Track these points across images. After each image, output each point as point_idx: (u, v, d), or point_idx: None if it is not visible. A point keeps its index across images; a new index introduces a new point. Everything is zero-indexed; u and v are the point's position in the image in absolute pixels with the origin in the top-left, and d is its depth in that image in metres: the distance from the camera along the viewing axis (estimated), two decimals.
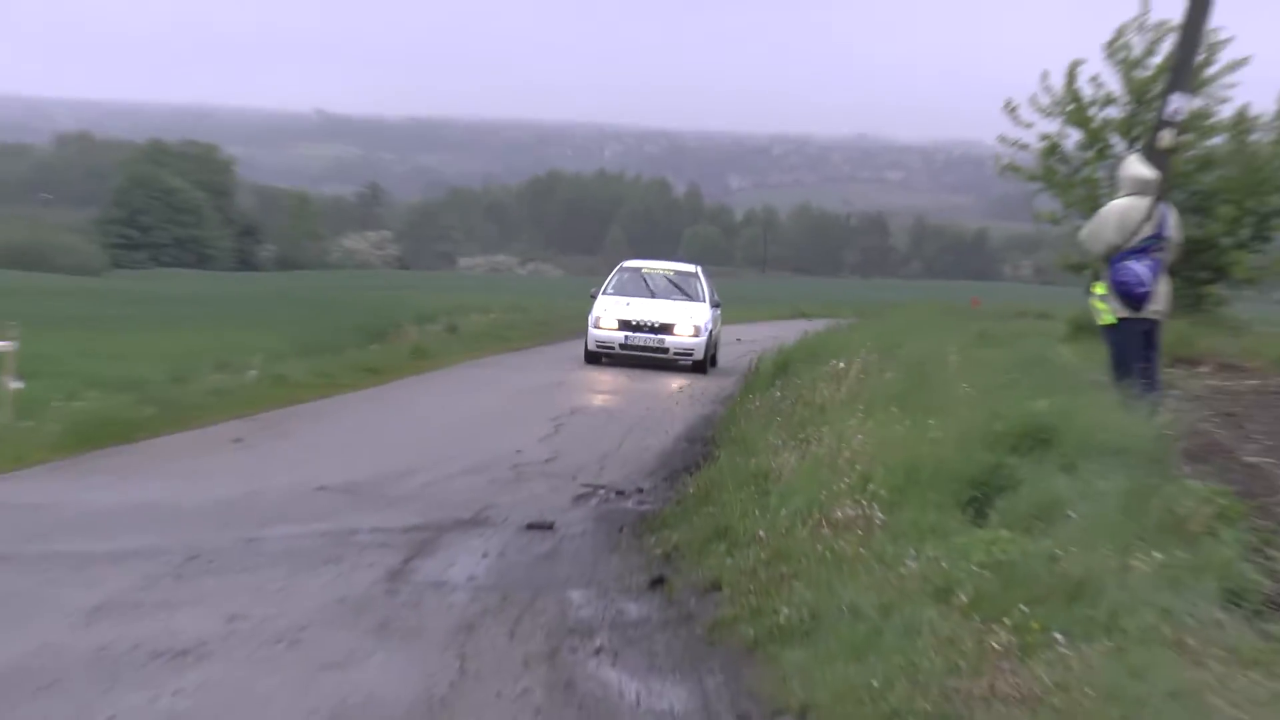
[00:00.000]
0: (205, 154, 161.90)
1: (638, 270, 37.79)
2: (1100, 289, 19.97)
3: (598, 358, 33.77)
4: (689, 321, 33.58)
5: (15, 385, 24.17)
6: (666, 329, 32.55)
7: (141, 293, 67.43)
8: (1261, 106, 35.00)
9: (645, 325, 32.72)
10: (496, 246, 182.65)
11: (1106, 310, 19.93)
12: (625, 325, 32.96)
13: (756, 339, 38.95)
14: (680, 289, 35.94)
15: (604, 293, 35.75)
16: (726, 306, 59.16)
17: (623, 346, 32.66)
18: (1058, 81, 35.78)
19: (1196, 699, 8.92)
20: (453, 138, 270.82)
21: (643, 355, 32.77)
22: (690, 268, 39.65)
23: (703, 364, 32.29)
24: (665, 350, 32.53)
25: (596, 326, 34.08)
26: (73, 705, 9.70)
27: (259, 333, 41.34)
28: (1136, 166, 21.15)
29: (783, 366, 26.72)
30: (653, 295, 34.84)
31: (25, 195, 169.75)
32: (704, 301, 35.62)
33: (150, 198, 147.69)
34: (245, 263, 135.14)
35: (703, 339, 33.19)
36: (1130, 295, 19.67)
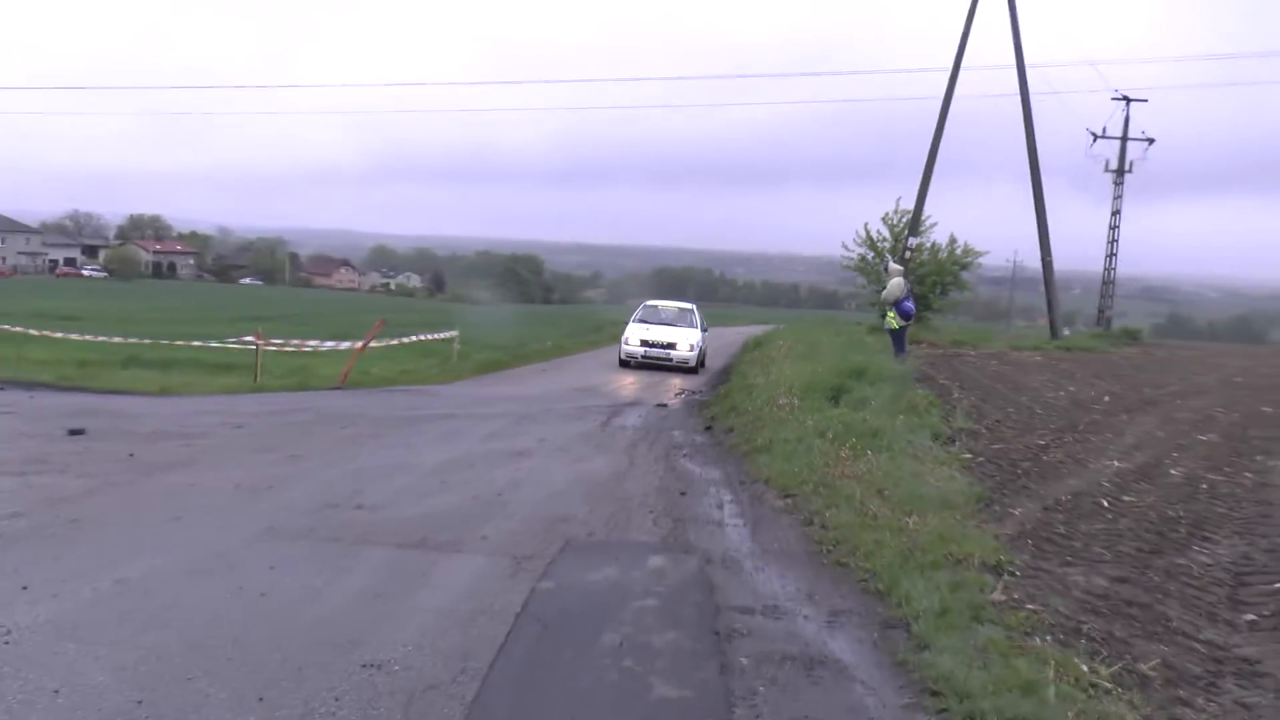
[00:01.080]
0: (533, 260, 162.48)
1: (655, 306, 28.96)
2: (891, 313, 19.90)
3: (626, 364, 25.96)
4: (686, 341, 25.92)
5: (457, 347, 24.69)
6: (671, 346, 25.67)
7: (506, 315, 67.47)
8: (941, 240, 34.68)
9: (658, 344, 25.75)
10: (644, 296, 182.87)
11: (894, 321, 19.88)
12: (645, 343, 25.90)
13: (746, 332, 38.41)
14: (682, 319, 27.82)
15: (633, 320, 27.53)
16: (734, 322, 58.36)
17: (644, 357, 25.58)
18: (862, 232, 35.32)
19: (920, 476, 8.92)
20: (626, 251, 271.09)
21: (656, 363, 25.41)
22: (689, 305, 29.88)
23: (695, 369, 25.27)
24: (671, 360, 25.29)
25: (626, 344, 26.32)
26: (478, 473, 9.67)
27: (551, 328, 41.46)
28: (896, 265, 21.74)
29: (758, 343, 26.43)
30: (663, 323, 27.26)
31: (463, 276, 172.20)
32: (696, 328, 27.17)
33: (510, 277, 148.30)
34: (546, 302, 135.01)
35: (695, 353, 25.74)
36: (905, 316, 19.98)
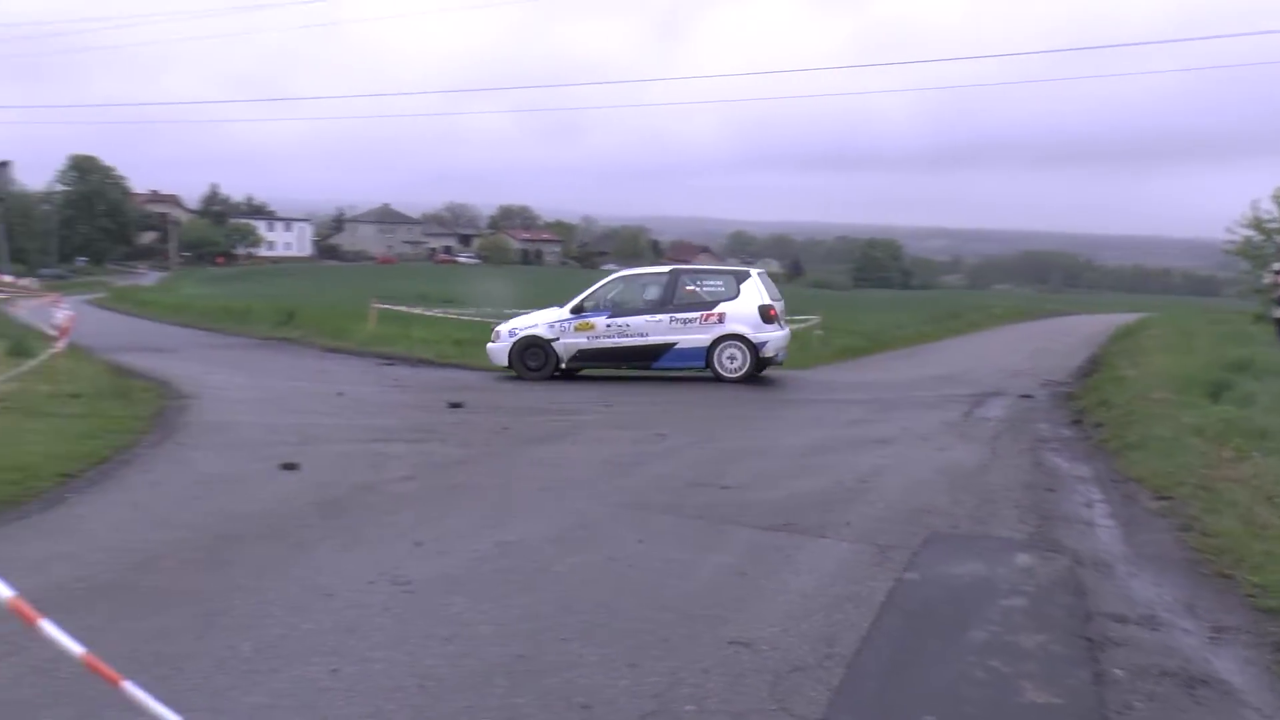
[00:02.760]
0: (891, 245, 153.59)
1: (621, 276, 18.57)
2: None
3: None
4: (507, 325, 17.38)
5: (818, 333, 24.85)
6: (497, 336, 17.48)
7: (848, 300, 66.71)
8: None
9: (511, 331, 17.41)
10: (1008, 282, 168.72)
11: None
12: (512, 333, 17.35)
13: (1110, 321, 36.18)
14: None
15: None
16: (1097, 310, 54.48)
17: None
18: (1248, 211, 32.21)
19: None
20: (990, 235, 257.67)
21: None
22: (635, 273, 19.01)
23: (510, 368, 16.85)
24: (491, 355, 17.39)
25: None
26: (840, 458, 9.71)
27: (909, 314, 40.34)
28: None
29: (1126, 333, 24.93)
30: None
31: (820, 262, 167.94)
32: (562, 308, 17.26)
33: (867, 262, 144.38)
34: (904, 287, 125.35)
35: (503, 344, 16.95)
36: None
